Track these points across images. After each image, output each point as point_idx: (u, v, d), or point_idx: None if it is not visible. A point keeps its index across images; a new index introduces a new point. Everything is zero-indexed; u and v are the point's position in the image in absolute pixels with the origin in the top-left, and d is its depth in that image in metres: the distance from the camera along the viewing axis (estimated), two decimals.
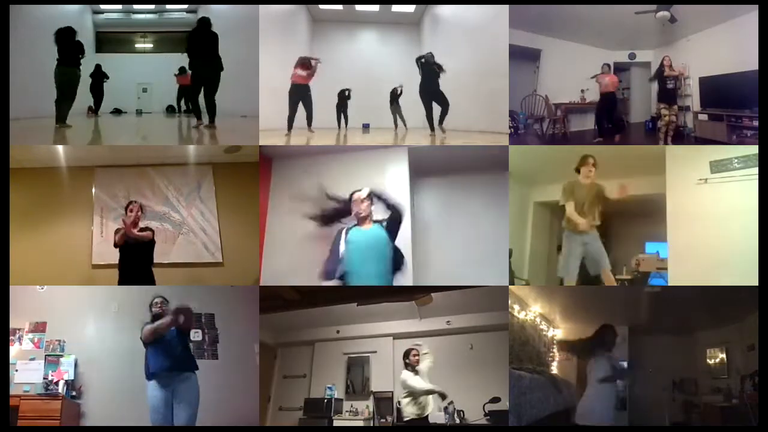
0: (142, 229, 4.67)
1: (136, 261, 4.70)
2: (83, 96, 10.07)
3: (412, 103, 7.96)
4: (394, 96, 9.10)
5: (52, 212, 6.08)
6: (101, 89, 10.17)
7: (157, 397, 4.06)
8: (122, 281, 4.70)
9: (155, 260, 5.05)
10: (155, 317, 4.29)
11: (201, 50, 6.28)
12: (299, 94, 7.12)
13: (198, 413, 4.23)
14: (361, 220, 3.90)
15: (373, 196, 3.92)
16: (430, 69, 6.97)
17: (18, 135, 5.19)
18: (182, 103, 10.95)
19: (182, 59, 10.26)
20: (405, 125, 8.96)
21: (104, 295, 5.31)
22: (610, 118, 6.92)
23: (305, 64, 7.18)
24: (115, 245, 4.62)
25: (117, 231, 4.63)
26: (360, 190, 3.94)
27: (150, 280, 4.75)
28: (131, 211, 4.61)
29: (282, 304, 5.34)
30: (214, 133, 6.15)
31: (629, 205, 6.82)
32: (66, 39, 6.34)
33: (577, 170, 4.93)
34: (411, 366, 5.01)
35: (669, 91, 6.49)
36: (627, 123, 7.80)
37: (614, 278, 4.94)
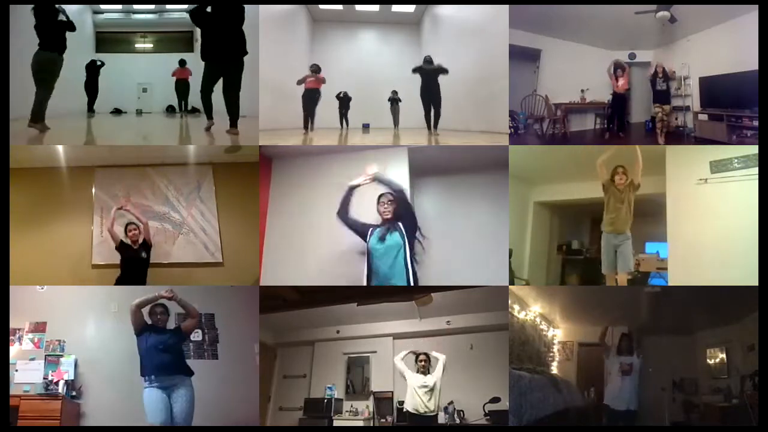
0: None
1: (134, 264, 5.09)
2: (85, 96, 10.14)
3: (412, 103, 7.98)
4: (393, 99, 9.15)
5: (52, 212, 6.07)
6: (96, 86, 10.11)
7: (154, 401, 4.12)
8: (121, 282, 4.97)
9: (156, 260, 5.11)
10: (154, 325, 4.40)
11: (221, 31, 5.28)
12: (310, 97, 7.69)
13: (195, 415, 4.24)
14: (386, 220, 4.19)
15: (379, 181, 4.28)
16: (429, 73, 7.07)
17: (18, 135, 5.18)
18: (182, 101, 10.92)
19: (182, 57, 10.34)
20: (395, 127, 9.06)
21: (104, 295, 5.31)
22: (619, 119, 7.07)
23: (315, 70, 7.76)
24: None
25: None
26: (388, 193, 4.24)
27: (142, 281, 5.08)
28: (132, 231, 5.22)
29: (282, 304, 5.34)
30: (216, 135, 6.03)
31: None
32: (46, 19, 5.45)
33: (612, 179, 5.14)
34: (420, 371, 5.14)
35: (661, 92, 6.68)
36: (627, 123, 7.80)
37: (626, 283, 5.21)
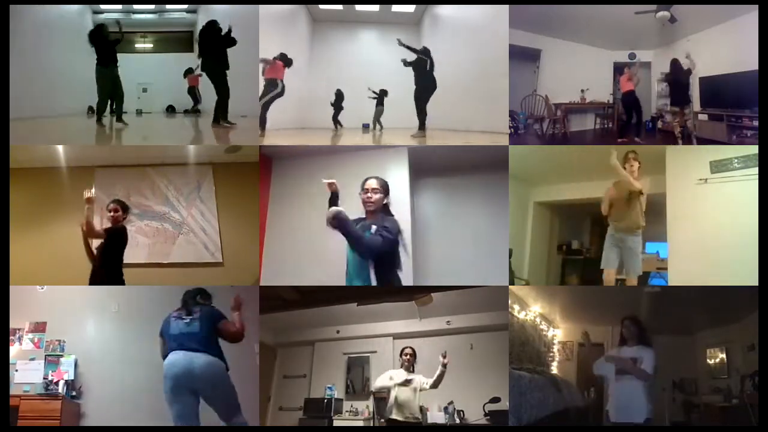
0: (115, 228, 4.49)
1: (108, 260, 4.43)
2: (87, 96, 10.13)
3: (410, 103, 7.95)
4: (380, 98, 9.13)
5: (52, 212, 6.07)
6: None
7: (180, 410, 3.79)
8: (93, 281, 4.42)
9: (155, 260, 5.06)
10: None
11: (208, 49, 6.50)
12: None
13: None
14: (369, 213, 3.46)
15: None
16: (420, 64, 7.00)
17: (18, 135, 5.18)
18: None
19: (182, 59, 10.37)
20: (381, 127, 9.03)
21: (104, 295, 5.30)
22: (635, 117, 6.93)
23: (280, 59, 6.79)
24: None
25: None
26: (373, 178, 3.49)
27: (119, 280, 4.47)
28: (112, 211, 4.51)
29: (282, 304, 5.33)
30: (217, 134, 6.13)
31: None
32: (98, 38, 6.40)
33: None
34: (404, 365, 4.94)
35: (683, 90, 6.32)
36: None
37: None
